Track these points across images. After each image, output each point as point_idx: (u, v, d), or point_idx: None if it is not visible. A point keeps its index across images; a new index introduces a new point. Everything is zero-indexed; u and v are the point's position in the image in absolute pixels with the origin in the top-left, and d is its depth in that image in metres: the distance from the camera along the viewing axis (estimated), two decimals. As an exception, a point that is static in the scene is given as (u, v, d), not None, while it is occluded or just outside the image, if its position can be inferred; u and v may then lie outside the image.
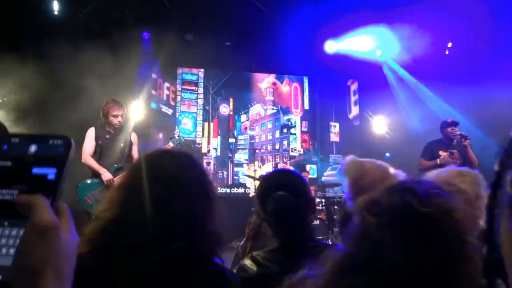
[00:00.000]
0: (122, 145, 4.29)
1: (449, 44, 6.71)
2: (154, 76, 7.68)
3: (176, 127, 8.13)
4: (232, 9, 5.87)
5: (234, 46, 7.01)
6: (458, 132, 4.71)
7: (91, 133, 4.21)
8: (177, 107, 8.27)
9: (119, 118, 4.22)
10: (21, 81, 4.77)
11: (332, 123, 9.04)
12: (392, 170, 0.90)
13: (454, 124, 4.79)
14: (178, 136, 4.82)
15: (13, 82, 4.85)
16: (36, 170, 0.58)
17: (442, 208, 0.60)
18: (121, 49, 5.50)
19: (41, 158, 0.58)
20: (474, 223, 0.74)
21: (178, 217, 0.94)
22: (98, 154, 4.18)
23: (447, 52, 6.85)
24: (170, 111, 8.23)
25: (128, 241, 0.89)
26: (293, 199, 1.36)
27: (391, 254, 0.58)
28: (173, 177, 0.99)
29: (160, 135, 7.85)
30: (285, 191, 1.36)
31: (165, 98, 8.17)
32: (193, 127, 8.32)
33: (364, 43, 7.27)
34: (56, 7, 5.38)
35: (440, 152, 4.73)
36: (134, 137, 4.45)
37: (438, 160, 4.66)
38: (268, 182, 1.46)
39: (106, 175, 4.05)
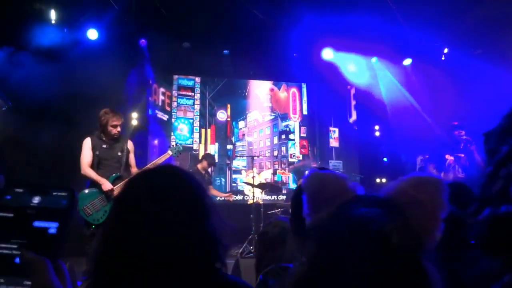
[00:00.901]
0: (119, 154, 4.40)
1: (445, 50, 6.99)
2: (149, 82, 7.86)
3: (172, 133, 8.22)
4: (230, 17, 6.09)
5: (232, 53, 7.20)
6: (465, 137, 4.84)
7: (87, 143, 4.32)
8: (172, 113, 8.37)
9: (118, 128, 4.34)
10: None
11: (331, 128, 9.18)
12: (350, 183, 0.89)
13: (461, 127, 4.93)
14: (176, 144, 4.97)
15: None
16: (37, 223, 0.58)
17: (377, 235, 0.63)
18: (118, 56, 5.70)
19: (44, 211, 0.59)
20: (430, 236, 0.74)
21: (178, 232, 0.95)
22: (96, 164, 4.29)
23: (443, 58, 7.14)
24: (165, 117, 8.32)
25: (133, 260, 0.92)
26: None
27: (329, 282, 0.62)
28: (167, 192, 1.00)
29: (156, 142, 7.91)
30: None
31: (160, 104, 8.25)
32: (190, 133, 8.41)
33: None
34: (53, 16, 5.58)
35: (446, 156, 4.90)
36: (130, 145, 4.56)
37: (442, 174, 4.81)
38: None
39: (106, 185, 4.18)
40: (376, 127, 8.52)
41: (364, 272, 0.60)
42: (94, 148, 4.32)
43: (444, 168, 4.91)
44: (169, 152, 4.63)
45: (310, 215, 0.88)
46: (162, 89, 8.32)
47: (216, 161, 8.30)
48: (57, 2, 5.56)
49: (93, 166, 4.30)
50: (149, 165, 4.39)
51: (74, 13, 5.70)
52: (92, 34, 6.01)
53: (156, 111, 8.10)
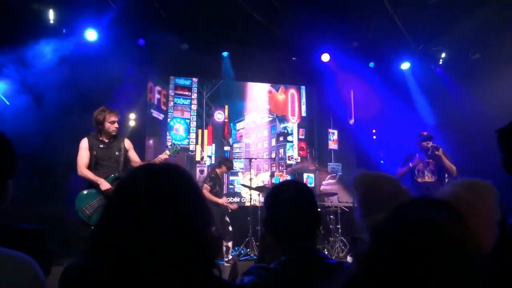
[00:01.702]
0: (117, 153, 4.47)
1: (443, 54, 7.26)
2: (146, 81, 7.97)
3: (168, 133, 8.29)
4: (229, 19, 6.28)
5: (230, 56, 7.38)
6: (430, 145, 5.36)
7: (84, 144, 4.38)
8: (169, 112, 8.44)
9: (116, 125, 4.41)
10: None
11: (330, 130, 9.30)
12: (403, 185, 0.93)
13: (428, 138, 5.44)
14: (174, 144, 5.07)
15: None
16: None
17: (454, 233, 0.64)
18: (116, 57, 5.88)
19: None
20: (488, 239, 0.76)
21: (173, 230, 0.95)
22: (94, 165, 4.37)
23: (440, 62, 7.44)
24: (161, 116, 8.36)
25: (126, 259, 0.93)
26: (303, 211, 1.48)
27: (405, 279, 0.62)
28: (160, 190, 1.00)
29: (151, 142, 8.01)
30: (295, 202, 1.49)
31: (156, 103, 8.30)
32: (186, 133, 8.49)
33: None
34: (51, 16, 5.74)
35: (416, 162, 5.45)
36: (128, 144, 4.62)
37: (410, 164, 5.44)
38: (278, 193, 1.55)
39: (104, 185, 4.25)
40: (373, 130, 8.74)
41: (441, 279, 0.60)
42: (91, 149, 4.38)
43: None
44: (167, 152, 4.69)
45: (365, 216, 0.91)
46: (158, 88, 8.35)
47: (213, 162, 8.45)
48: (55, 2, 5.73)
49: (90, 166, 4.37)
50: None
51: (73, 14, 5.87)
52: (91, 34, 6.20)
53: (152, 110, 8.15)
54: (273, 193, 1.58)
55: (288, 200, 1.50)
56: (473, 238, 0.66)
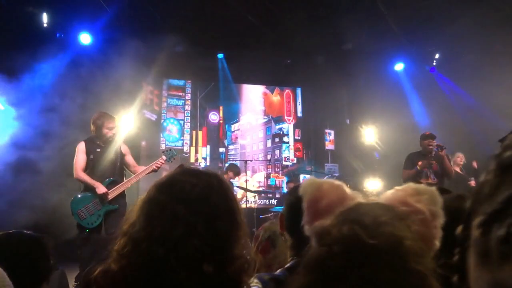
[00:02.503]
0: (113, 157, 4.63)
1: (436, 55, 7.54)
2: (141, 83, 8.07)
3: (161, 134, 8.40)
4: (224, 21, 6.50)
5: (225, 58, 7.57)
6: (435, 144, 5.46)
7: (81, 148, 4.53)
8: (162, 113, 8.55)
9: (114, 130, 4.57)
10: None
11: (327, 131, 9.49)
12: (349, 191, 0.94)
13: (432, 137, 5.53)
14: (170, 149, 5.25)
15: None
16: None
17: (390, 238, 0.68)
18: (111, 59, 6.07)
19: None
20: (429, 243, 0.79)
21: (205, 240, 0.99)
22: (90, 168, 4.53)
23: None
24: (153, 117, 8.44)
25: (159, 261, 0.98)
26: None
27: (341, 285, 0.65)
28: (199, 200, 1.05)
29: (143, 143, 8.09)
30: None
31: (148, 103, 8.38)
32: (179, 134, 8.58)
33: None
34: (45, 19, 5.92)
35: (419, 163, 5.50)
36: (124, 148, 4.80)
37: (417, 166, 5.47)
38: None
39: (100, 188, 4.43)
40: (369, 131, 8.96)
41: (380, 276, 0.65)
42: (88, 152, 4.53)
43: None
44: (164, 158, 4.86)
45: (310, 223, 0.92)
46: (150, 88, 8.43)
47: (208, 164, 8.67)
48: (49, 6, 5.91)
49: (87, 170, 4.54)
50: (145, 169, 4.68)
51: (67, 17, 6.05)
52: (85, 38, 6.39)
53: (144, 111, 8.22)
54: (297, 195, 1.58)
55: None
56: (415, 238, 0.71)
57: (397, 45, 7.35)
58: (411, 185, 0.87)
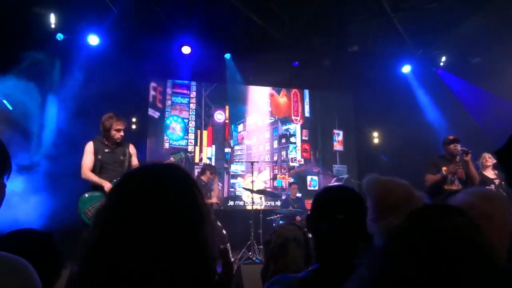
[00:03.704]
0: (121, 158, 4.83)
1: (443, 58, 7.83)
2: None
3: (164, 132, 8.60)
4: (231, 23, 6.81)
5: (232, 59, 7.82)
6: (460, 148, 5.48)
7: (89, 148, 4.74)
8: (166, 111, 8.75)
9: (121, 133, 4.78)
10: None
11: (335, 131, 9.68)
12: (415, 190, 0.99)
13: (457, 141, 5.57)
14: (179, 152, 5.51)
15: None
16: None
17: (469, 235, 0.70)
18: (118, 59, 6.42)
19: None
20: (501, 248, 0.81)
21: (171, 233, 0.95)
22: (98, 169, 4.72)
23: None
24: (156, 114, 8.67)
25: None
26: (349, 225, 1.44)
27: (422, 282, 0.67)
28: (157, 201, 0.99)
29: (147, 142, 8.31)
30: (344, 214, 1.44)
31: (151, 100, 8.60)
32: (183, 133, 8.77)
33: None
34: (53, 20, 6.27)
35: (444, 169, 5.48)
36: (132, 149, 4.98)
37: (443, 171, 5.45)
38: (327, 200, 1.56)
39: (109, 186, 4.65)
40: (375, 134, 9.20)
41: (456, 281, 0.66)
42: (96, 153, 4.74)
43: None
44: (172, 159, 5.12)
45: (376, 220, 0.97)
46: (153, 84, 8.64)
47: (213, 164, 8.76)
48: (56, 7, 6.24)
49: (95, 170, 4.72)
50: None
51: (74, 18, 6.39)
52: (93, 39, 6.76)
53: (148, 109, 8.50)
54: (324, 196, 1.62)
55: (339, 208, 1.46)
56: (489, 243, 0.73)
57: (403, 47, 7.64)
58: (480, 189, 0.93)
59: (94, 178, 4.73)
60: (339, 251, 1.44)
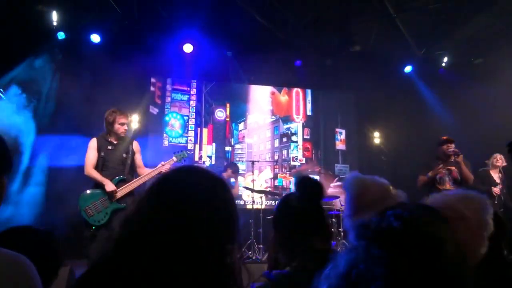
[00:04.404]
0: (124, 155, 4.97)
1: (445, 59, 8.02)
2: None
3: (163, 130, 8.67)
4: (233, 22, 6.98)
5: (233, 58, 7.98)
6: (452, 149, 5.69)
7: (93, 144, 4.87)
8: (165, 108, 8.82)
9: (125, 127, 4.92)
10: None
11: (338, 129, 9.79)
12: (392, 189, 1.03)
13: (449, 141, 5.77)
14: (182, 150, 5.60)
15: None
16: None
17: (430, 239, 0.72)
18: (120, 58, 6.60)
19: None
20: (475, 250, 0.82)
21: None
22: (101, 166, 4.86)
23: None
24: (155, 111, 8.72)
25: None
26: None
27: (378, 274, 0.71)
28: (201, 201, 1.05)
29: (147, 139, 8.24)
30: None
31: (150, 95, 8.66)
32: (182, 130, 8.84)
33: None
34: (55, 17, 6.44)
35: (438, 169, 5.71)
36: (136, 146, 5.11)
37: (430, 173, 5.70)
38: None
39: (109, 185, 4.73)
40: (376, 133, 9.35)
41: (414, 273, 0.69)
42: (99, 149, 4.87)
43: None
44: (174, 159, 5.24)
45: (352, 216, 1.02)
46: (152, 79, 8.71)
47: (213, 163, 9.00)
48: (59, 5, 6.41)
49: (97, 167, 4.86)
50: (152, 171, 5.04)
51: (76, 16, 6.57)
52: (95, 38, 6.94)
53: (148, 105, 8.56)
54: (287, 197, 1.80)
55: (299, 198, 1.66)
56: (456, 244, 0.74)
57: (406, 47, 7.81)
58: (462, 191, 0.95)
59: (95, 175, 4.84)
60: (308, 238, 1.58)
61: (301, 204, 1.68)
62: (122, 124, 4.93)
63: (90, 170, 4.84)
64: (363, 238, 0.77)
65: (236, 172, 7.69)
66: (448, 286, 0.71)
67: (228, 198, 1.13)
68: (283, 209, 1.77)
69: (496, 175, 6.37)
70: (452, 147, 5.73)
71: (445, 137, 5.88)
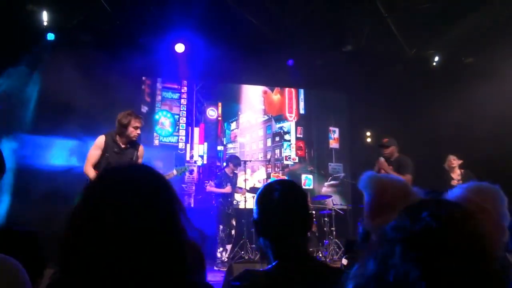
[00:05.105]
0: (129, 160, 4.90)
1: (436, 58, 8.38)
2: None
3: (153, 129, 8.76)
4: (225, 22, 7.19)
5: (225, 58, 8.18)
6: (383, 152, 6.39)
7: (100, 142, 4.84)
8: (156, 107, 8.91)
9: (138, 131, 4.90)
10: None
11: (331, 128, 9.99)
12: (411, 186, 1.03)
13: (380, 146, 6.48)
14: (183, 165, 5.70)
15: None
16: None
17: (466, 230, 0.73)
18: (111, 59, 6.77)
19: None
20: (497, 242, 0.83)
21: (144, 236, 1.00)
22: (103, 166, 4.75)
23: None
24: (145, 109, 8.77)
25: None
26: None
27: (415, 280, 0.70)
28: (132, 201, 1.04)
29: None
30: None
31: (140, 94, 8.75)
32: (172, 128, 8.93)
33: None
34: (45, 17, 6.58)
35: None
36: (141, 151, 5.10)
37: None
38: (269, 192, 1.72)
39: None
40: (368, 133, 9.62)
41: (459, 271, 0.69)
42: (105, 149, 4.84)
43: None
44: (174, 172, 5.32)
45: (371, 218, 0.99)
46: (143, 78, 8.77)
47: (205, 162, 9.13)
48: (49, 4, 6.54)
49: (99, 167, 4.79)
50: None
51: (67, 16, 6.71)
52: (87, 37, 7.08)
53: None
54: (263, 191, 1.76)
55: (279, 198, 1.66)
56: (488, 235, 0.74)
57: (397, 47, 8.07)
58: (473, 184, 0.95)
59: (92, 176, 4.80)
60: (288, 239, 1.62)
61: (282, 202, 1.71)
62: (136, 128, 4.91)
63: (88, 168, 4.81)
64: (396, 241, 0.77)
65: (237, 165, 7.89)
66: (493, 283, 0.72)
67: (163, 183, 1.16)
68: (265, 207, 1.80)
69: (456, 174, 6.80)
70: (382, 151, 6.44)
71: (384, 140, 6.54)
